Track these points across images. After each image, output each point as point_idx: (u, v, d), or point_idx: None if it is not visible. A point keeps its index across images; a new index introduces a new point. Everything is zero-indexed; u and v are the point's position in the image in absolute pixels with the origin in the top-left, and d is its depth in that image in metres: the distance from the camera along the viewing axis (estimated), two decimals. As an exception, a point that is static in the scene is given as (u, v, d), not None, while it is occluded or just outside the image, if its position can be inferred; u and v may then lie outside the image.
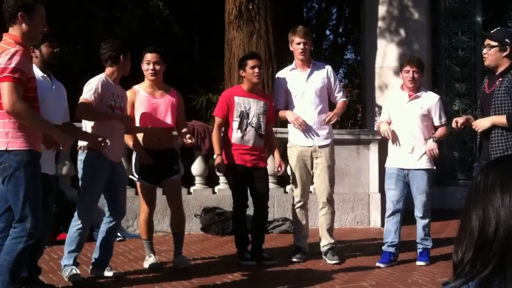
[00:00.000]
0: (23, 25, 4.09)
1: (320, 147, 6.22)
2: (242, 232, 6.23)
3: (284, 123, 8.30)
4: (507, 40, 5.20)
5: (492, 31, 5.43)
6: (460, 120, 5.49)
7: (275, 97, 6.44)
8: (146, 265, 5.83)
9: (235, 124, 6.08)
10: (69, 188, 7.52)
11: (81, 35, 11.32)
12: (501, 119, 5.12)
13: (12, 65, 3.93)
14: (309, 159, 6.23)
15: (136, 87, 5.81)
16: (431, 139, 6.02)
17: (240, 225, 6.25)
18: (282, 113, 6.33)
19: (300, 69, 6.29)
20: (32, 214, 4.02)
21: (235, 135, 6.09)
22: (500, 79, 5.21)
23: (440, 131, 6.14)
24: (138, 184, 5.88)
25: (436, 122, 6.12)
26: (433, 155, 6.00)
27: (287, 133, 7.89)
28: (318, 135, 6.23)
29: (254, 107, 6.13)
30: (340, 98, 6.40)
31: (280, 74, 6.49)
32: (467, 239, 1.48)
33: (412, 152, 6.03)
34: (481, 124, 5.22)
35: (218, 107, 6.22)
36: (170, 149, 5.87)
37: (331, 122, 6.22)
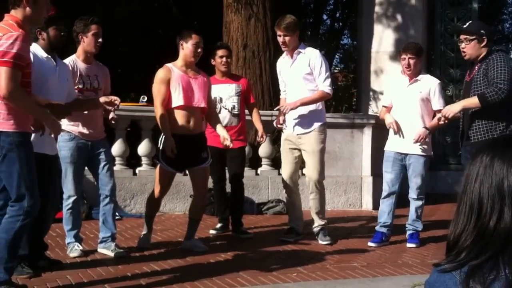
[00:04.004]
0: (27, 9, 4.06)
1: (300, 134, 6.20)
2: (222, 208, 6.84)
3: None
4: (482, 31, 5.45)
5: (466, 25, 5.71)
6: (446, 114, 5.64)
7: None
8: (139, 243, 5.90)
9: None
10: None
11: (79, 17, 11.33)
12: (472, 100, 5.30)
13: (14, 50, 3.92)
14: (294, 144, 6.26)
15: (169, 65, 5.72)
16: (423, 128, 6.06)
17: (220, 201, 6.87)
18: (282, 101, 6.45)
19: (288, 56, 6.25)
20: (28, 193, 4.06)
21: None
22: (479, 65, 5.43)
23: (435, 121, 6.09)
24: (158, 166, 5.79)
25: (435, 107, 6.11)
26: (418, 140, 6.04)
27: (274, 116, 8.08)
28: (298, 124, 6.18)
29: (227, 91, 6.58)
30: (320, 86, 6.11)
31: (278, 61, 6.53)
32: (466, 224, 1.45)
33: (411, 136, 6.08)
34: (451, 109, 5.43)
35: None
36: (200, 134, 5.80)
37: (285, 111, 6.05)
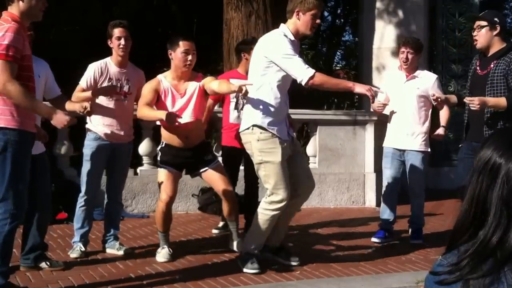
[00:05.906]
0: (21, 3, 4.03)
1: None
2: None
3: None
4: (496, 19, 5.25)
5: (482, 14, 5.53)
6: (442, 96, 5.57)
7: None
8: (159, 258, 5.33)
9: (231, 105, 6.22)
10: (67, 168, 7.59)
11: (78, 15, 11.33)
12: (502, 103, 5.05)
13: (5, 41, 3.85)
14: None
15: (160, 77, 5.35)
16: (441, 128, 6.05)
17: None
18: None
19: None
20: (14, 195, 3.95)
21: (232, 115, 6.24)
22: (496, 61, 5.22)
23: (445, 116, 6.06)
24: (160, 171, 5.38)
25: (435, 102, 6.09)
26: (436, 139, 6.09)
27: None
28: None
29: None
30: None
31: None
32: (469, 228, 1.42)
33: (409, 132, 6.06)
34: (485, 101, 5.05)
35: None
36: (200, 143, 5.42)
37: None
